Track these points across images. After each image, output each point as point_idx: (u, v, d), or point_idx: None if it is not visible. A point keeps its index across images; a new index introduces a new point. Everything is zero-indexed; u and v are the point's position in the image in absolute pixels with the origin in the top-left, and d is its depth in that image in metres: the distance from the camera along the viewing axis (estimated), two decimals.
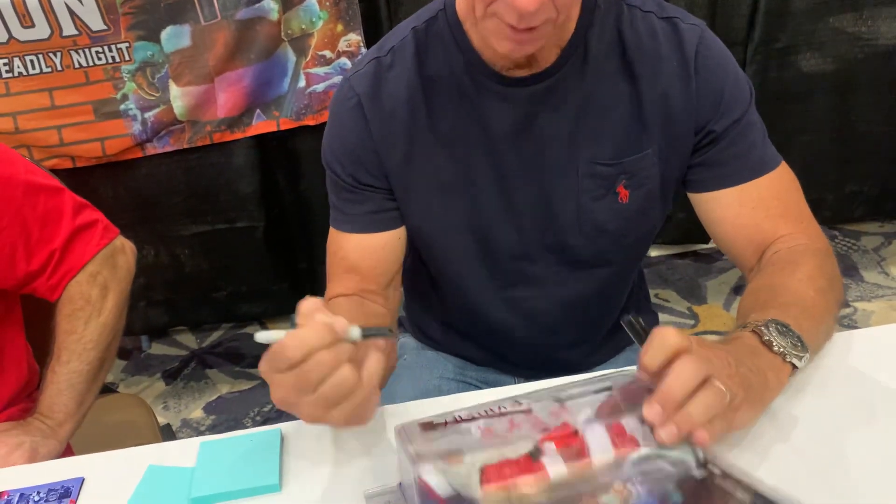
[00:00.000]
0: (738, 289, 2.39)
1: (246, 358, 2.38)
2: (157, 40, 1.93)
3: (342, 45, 2.02)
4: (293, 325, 2.22)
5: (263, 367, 0.64)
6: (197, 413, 2.18)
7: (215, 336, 2.50)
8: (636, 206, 0.95)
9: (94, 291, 1.07)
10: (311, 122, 2.08)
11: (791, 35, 2.17)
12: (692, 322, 2.27)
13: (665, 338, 0.62)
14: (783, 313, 0.76)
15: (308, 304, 0.66)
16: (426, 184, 0.96)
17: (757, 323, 0.75)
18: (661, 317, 2.29)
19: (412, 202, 0.97)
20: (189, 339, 2.50)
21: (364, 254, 0.98)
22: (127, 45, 1.91)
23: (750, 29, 2.13)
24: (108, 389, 1.53)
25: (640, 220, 0.97)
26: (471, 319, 1.10)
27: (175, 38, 1.93)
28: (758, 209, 0.91)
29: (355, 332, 0.66)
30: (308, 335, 0.62)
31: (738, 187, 0.91)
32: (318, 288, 2.45)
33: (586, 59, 0.90)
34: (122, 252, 1.11)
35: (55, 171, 1.90)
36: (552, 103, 0.91)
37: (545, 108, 0.91)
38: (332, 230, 1.00)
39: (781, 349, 0.73)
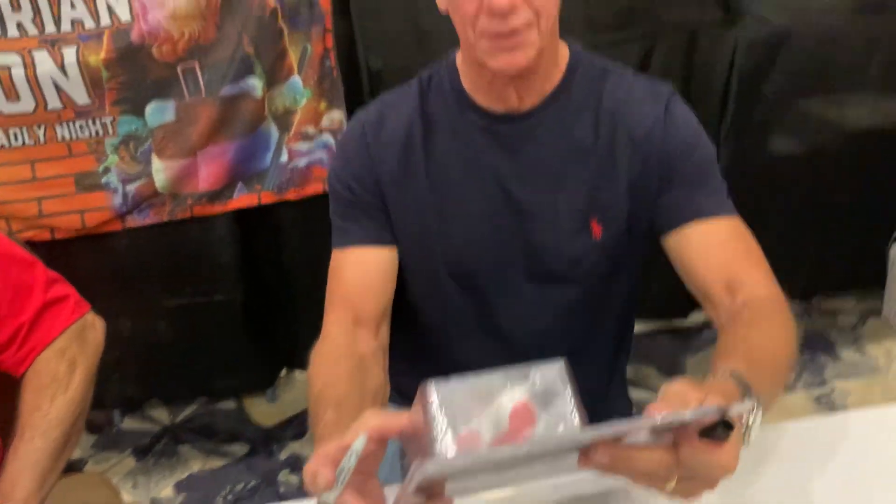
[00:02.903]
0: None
1: (219, 434, 2.33)
2: (142, 115, 1.95)
3: (325, 122, 2.05)
4: (269, 401, 2.18)
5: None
6: (167, 491, 2.12)
7: (189, 410, 2.45)
8: (608, 242, 1.03)
9: (62, 367, 1.05)
10: (293, 197, 2.10)
11: (763, 116, 2.23)
12: None
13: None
14: (757, 376, 0.76)
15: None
16: (415, 209, 1.05)
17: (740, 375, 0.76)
18: (640, 393, 2.28)
19: (401, 224, 1.06)
20: (162, 414, 2.45)
21: (360, 273, 1.05)
22: (111, 119, 1.94)
23: (723, 110, 2.19)
24: (75, 467, 1.50)
25: (611, 257, 1.04)
26: (451, 359, 1.13)
27: (159, 112, 1.96)
28: (725, 249, 0.98)
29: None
30: None
31: (704, 223, 0.99)
32: (296, 362, 2.42)
33: (567, 105, 1.02)
34: (91, 327, 1.10)
35: (33, 243, 1.91)
36: (533, 141, 1.01)
37: (527, 145, 1.01)
38: (333, 255, 1.08)
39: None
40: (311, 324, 2.41)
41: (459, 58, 1.05)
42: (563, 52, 1.04)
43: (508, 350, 1.10)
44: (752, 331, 0.88)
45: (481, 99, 1.02)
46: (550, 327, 1.10)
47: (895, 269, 2.44)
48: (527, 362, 0.64)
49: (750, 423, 0.70)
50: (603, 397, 1.23)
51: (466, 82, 1.03)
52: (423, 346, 1.16)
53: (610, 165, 1.01)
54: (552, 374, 0.63)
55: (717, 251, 0.98)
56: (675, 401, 0.63)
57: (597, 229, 1.02)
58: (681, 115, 1.02)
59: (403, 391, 1.22)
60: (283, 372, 2.48)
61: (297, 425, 2.29)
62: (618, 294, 1.11)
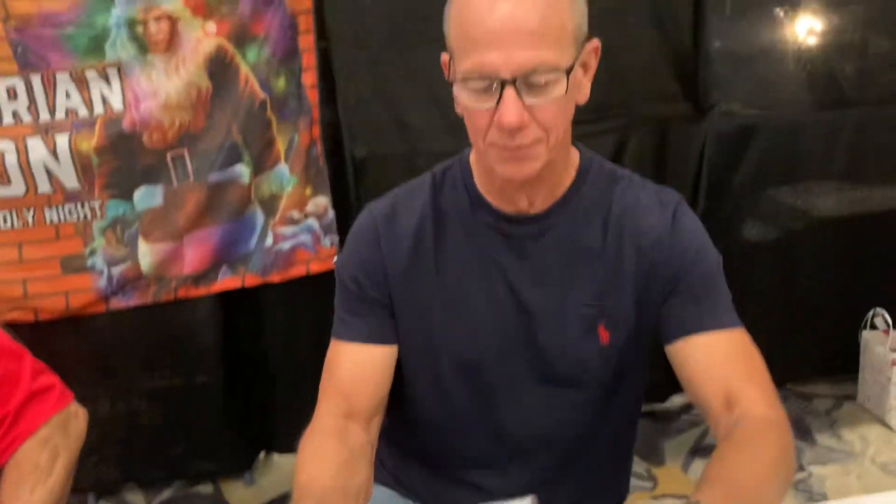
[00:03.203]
0: (696, 451, 2.40)
1: None
2: (130, 199, 1.99)
3: (310, 207, 2.11)
4: (247, 485, 2.16)
5: None
6: None
7: (166, 494, 2.40)
8: (615, 347, 1.03)
9: (44, 456, 1.05)
10: (277, 279, 2.13)
11: (734, 205, 2.31)
12: (650, 485, 2.26)
13: None
14: None
15: None
16: (422, 305, 1.04)
17: None
18: None
19: (407, 320, 1.06)
20: (138, 498, 2.40)
21: (356, 368, 1.05)
22: (100, 203, 1.97)
23: (694, 200, 2.27)
24: None
25: (618, 362, 1.04)
26: (453, 455, 1.13)
27: (148, 197, 2.00)
28: (726, 363, 0.97)
29: None
30: None
31: (707, 336, 0.98)
32: (274, 444, 2.41)
33: (577, 210, 1.02)
34: (75, 417, 1.10)
35: (16, 325, 1.92)
36: (542, 244, 1.02)
37: (536, 247, 1.02)
38: (331, 344, 1.07)
39: None
40: (290, 407, 2.42)
41: (473, 157, 1.06)
42: (574, 157, 1.05)
43: (511, 449, 1.10)
44: (741, 456, 0.87)
45: (493, 199, 1.03)
46: (555, 428, 1.08)
47: (867, 354, 2.49)
48: (500, 500, 0.66)
49: None
50: (602, 495, 1.20)
51: (479, 182, 1.04)
52: (425, 441, 1.16)
53: (617, 272, 1.01)
54: None
55: (717, 366, 0.97)
56: None
57: (604, 334, 1.02)
58: (688, 224, 1.02)
59: (405, 483, 1.21)
60: (262, 455, 2.46)
61: None
62: (624, 395, 1.10)
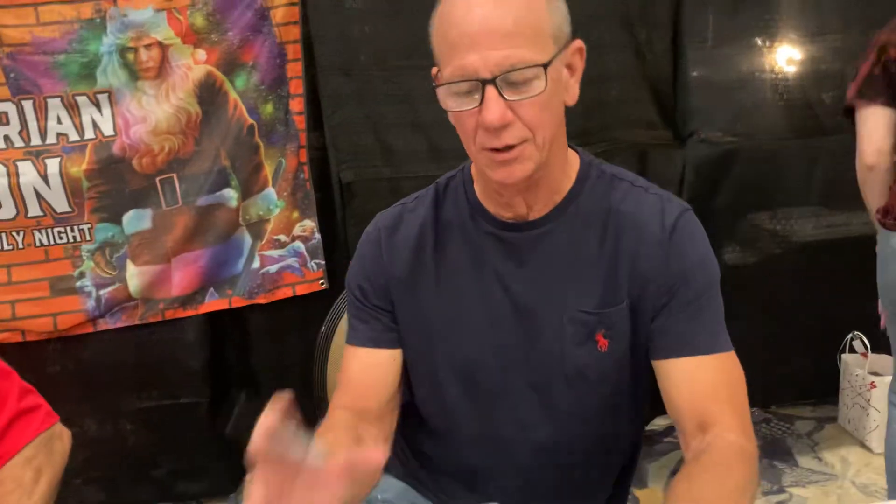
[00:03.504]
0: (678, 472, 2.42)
1: None
2: (119, 222, 2.02)
3: (297, 230, 2.14)
4: None
5: None
6: None
7: None
8: (613, 355, 1.03)
9: (28, 475, 1.07)
10: (263, 301, 2.16)
11: (714, 230, 2.35)
12: None
13: None
14: None
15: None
16: (423, 312, 1.07)
17: None
18: None
19: (409, 327, 1.09)
20: None
21: (364, 369, 1.10)
22: (89, 226, 2.00)
23: None
24: None
25: (616, 370, 1.04)
26: (457, 462, 1.14)
27: (136, 220, 2.03)
28: (707, 389, 0.97)
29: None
30: None
31: (694, 360, 0.97)
32: None
33: (575, 217, 1.02)
34: (59, 438, 1.12)
35: (2, 346, 1.93)
36: (540, 250, 1.03)
37: (533, 253, 1.03)
38: (345, 347, 1.13)
39: None
40: None
41: (474, 166, 1.08)
42: (573, 161, 1.04)
43: (512, 461, 1.10)
44: (706, 476, 0.87)
45: (491, 206, 1.04)
46: (553, 440, 1.08)
47: (846, 377, 2.52)
48: None
49: None
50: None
51: (478, 190, 1.05)
52: (434, 447, 1.18)
53: (613, 282, 1.01)
54: None
55: (699, 389, 0.97)
56: None
57: (603, 342, 1.02)
58: (687, 237, 1.00)
59: (427, 485, 1.23)
60: (248, 477, 2.46)
61: None
62: (624, 408, 1.10)
